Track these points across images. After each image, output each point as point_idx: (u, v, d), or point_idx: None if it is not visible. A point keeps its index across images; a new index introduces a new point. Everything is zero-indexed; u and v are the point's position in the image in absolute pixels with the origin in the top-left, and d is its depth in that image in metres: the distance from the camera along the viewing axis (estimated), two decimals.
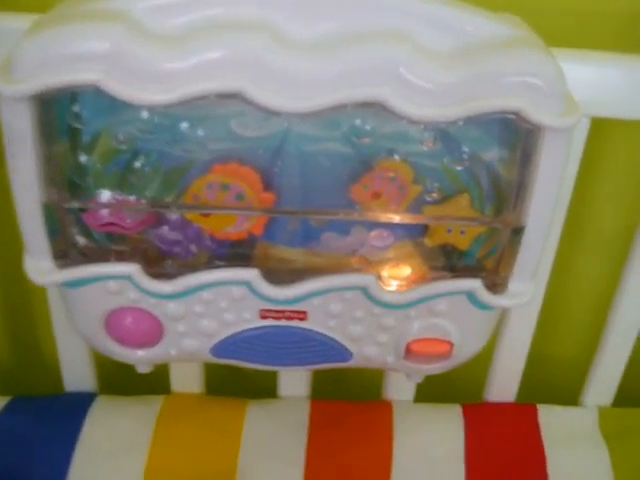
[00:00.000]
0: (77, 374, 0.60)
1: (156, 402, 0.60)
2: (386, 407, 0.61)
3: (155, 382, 0.59)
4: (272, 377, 0.61)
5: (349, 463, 0.57)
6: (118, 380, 0.60)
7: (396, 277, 0.45)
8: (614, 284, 0.58)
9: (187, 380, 0.61)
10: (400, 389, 0.61)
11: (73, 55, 0.36)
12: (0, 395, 0.61)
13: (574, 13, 0.54)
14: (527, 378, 0.62)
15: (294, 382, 0.61)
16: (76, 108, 0.39)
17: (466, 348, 0.48)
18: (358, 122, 0.39)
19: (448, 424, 0.61)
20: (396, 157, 0.41)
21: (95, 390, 0.61)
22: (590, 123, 0.49)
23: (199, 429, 0.58)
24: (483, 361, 0.59)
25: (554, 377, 0.72)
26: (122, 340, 0.47)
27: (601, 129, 0.54)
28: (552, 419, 0.62)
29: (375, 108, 0.38)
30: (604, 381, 0.62)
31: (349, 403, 0.62)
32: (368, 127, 0.39)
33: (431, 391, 0.61)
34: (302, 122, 0.40)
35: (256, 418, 0.59)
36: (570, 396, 0.64)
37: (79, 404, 0.60)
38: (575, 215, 0.54)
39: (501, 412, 0.62)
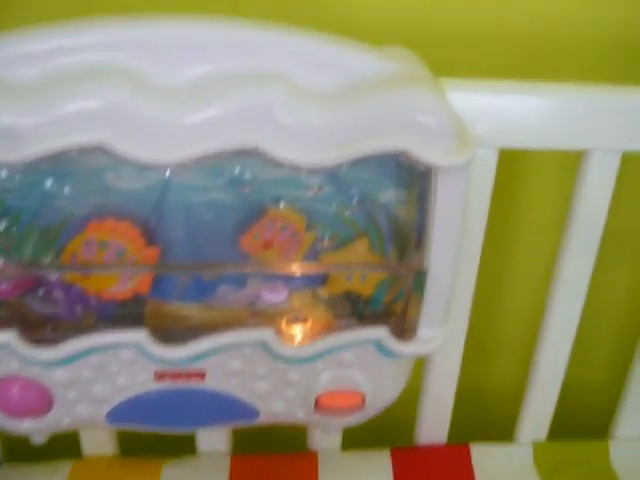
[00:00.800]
0: None
1: (65, 468, 0.56)
2: (311, 458, 0.59)
3: (65, 445, 0.55)
4: (190, 432, 0.58)
5: None
6: (23, 446, 0.56)
7: (298, 330, 0.42)
8: (540, 313, 0.56)
9: (98, 441, 0.57)
10: (325, 437, 0.59)
11: None
12: None
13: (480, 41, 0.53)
14: (459, 416, 0.60)
15: (213, 437, 0.58)
16: None
17: (380, 398, 0.46)
18: (237, 170, 0.37)
19: (376, 472, 0.58)
20: (282, 205, 0.38)
21: (0, 458, 0.57)
22: (499, 154, 0.47)
23: None
24: (411, 401, 0.57)
25: (487, 413, 0.70)
26: (9, 411, 0.44)
27: (514, 159, 0.53)
28: (486, 458, 0.60)
29: (254, 154, 0.35)
30: (537, 414, 0.60)
31: (272, 456, 0.59)
32: (248, 175, 0.37)
33: (359, 435, 0.58)
34: (182, 172, 0.37)
35: (172, 478, 0.56)
36: (504, 431, 0.62)
37: None
38: (497, 244, 0.53)
39: (432, 455, 0.60)
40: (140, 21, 0.34)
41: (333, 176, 0.38)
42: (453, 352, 0.55)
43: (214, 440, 0.58)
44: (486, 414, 0.70)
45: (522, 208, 0.61)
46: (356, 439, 0.59)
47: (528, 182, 0.60)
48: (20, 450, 0.57)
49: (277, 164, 0.35)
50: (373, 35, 0.40)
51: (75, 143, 0.33)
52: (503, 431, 0.62)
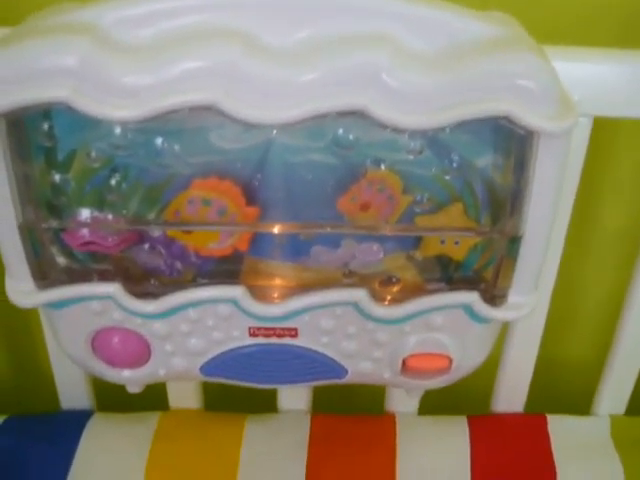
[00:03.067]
0: (73, 392, 0.59)
1: (153, 419, 0.59)
2: (389, 420, 0.59)
3: (152, 398, 0.57)
4: (272, 390, 0.60)
5: (351, 478, 0.56)
6: (115, 397, 0.59)
7: (389, 291, 0.43)
8: (624, 286, 0.55)
9: (184, 395, 0.59)
10: (403, 401, 0.59)
11: (40, 71, 0.34)
12: None
13: (573, 9, 0.52)
14: (536, 386, 0.60)
15: (294, 396, 0.59)
16: (48, 126, 0.37)
17: (466, 362, 0.47)
18: (341, 132, 0.37)
19: (453, 437, 0.59)
20: (383, 167, 0.39)
21: (91, 408, 0.60)
22: (592, 123, 0.46)
23: (196, 447, 0.57)
24: (489, 370, 0.57)
25: (564, 385, 0.70)
26: (109, 361, 0.46)
27: (605, 128, 0.52)
28: (562, 429, 0.60)
29: (358, 116, 0.36)
30: (617, 388, 0.60)
31: (351, 417, 0.60)
32: (351, 137, 0.37)
33: (436, 402, 0.59)
34: (285, 133, 0.38)
35: (255, 434, 0.58)
36: (581, 405, 0.62)
37: (75, 422, 0.58)
38: (581, 216, 0.52)
39: (509, 423, 0.60)
40: None
41: (433, 139, 0.38)
42: (536, 321, 0.55)
43: (295, 399, 0.59)
44: (563, 386, 0.70)
45: (609, 177, 0.60)
46: (432, 405, 0.60)
47: (617, 152, 0.59)
48: (111, 400, 0.60)
49: (380, 126, 0.35)
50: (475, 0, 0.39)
51: (188, 102, 0.34)
52: (580, 404, 0.62)
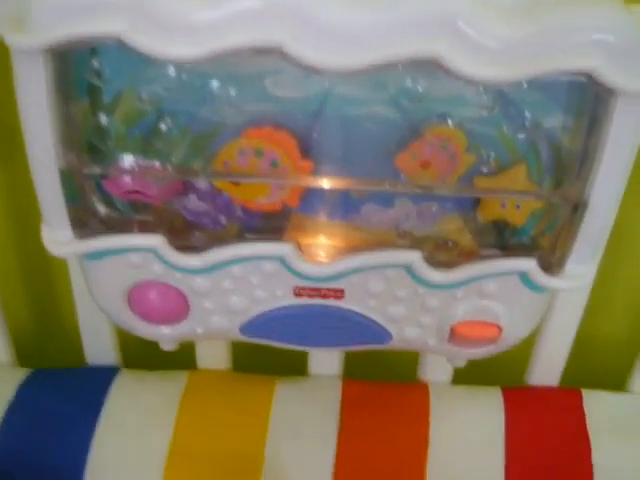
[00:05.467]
0: (99, 347, 0.58)
1: (181, 378, 0.57)
2: (422, 389, 0.58)
3: (181, 357, 0.56)
4: (302, 353, 0.58)
5: (383, 446, 0.54)
6: (142, 354, 0.57)
7: (444, 255, 0.41)
8: None
9: (214, 356, 0.58)
10: (437, 370, 0.58)
11: (94, 3, 0.32)
12: (20, 367, 0.59)
13: None
14: (572, 360, 0.58)
15: (325, 360, 0.58)
16: (96, 64, 0.35)
17: (515, 332, 0.45)
18: (408, 83, 0.35)
19: (487, 408, 0.57)
20: (449, 123, 0.37)
21: (118, 364, 0.59)
22: None
23: (226, 408, 0.56)
24: (525, 342, 0.56)
25: (601, 360, 0.68)
26: (145, 316, 0.44)
27: None
28: (598, 406, 0.58)
29: (428, 67, 0.33)
30: None
31: (383, 383, 0.58)
32: (420, 88, 0.35)
33: (469, 373, 0.57)
34: (345, 83, 0.36)
35: (285, 397, 0.56)
36: (617, 381, 0.61)
37: (102, 378, 0.57)
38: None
39: (544, 397, 0.59)
40: None
41: (504, 96, 0.36)
42: (579, 294, 0.54)
43: (326, 363, 0.58)
44: (600, 361, 0.68)
45: None
46: (466, 374, 0.58)
47: None
48: (137, 357, 0.59)
49: (452, 78, 0.33)
50: None
51: (251, 42, 0.32)
52: (616, 380, 0.61)
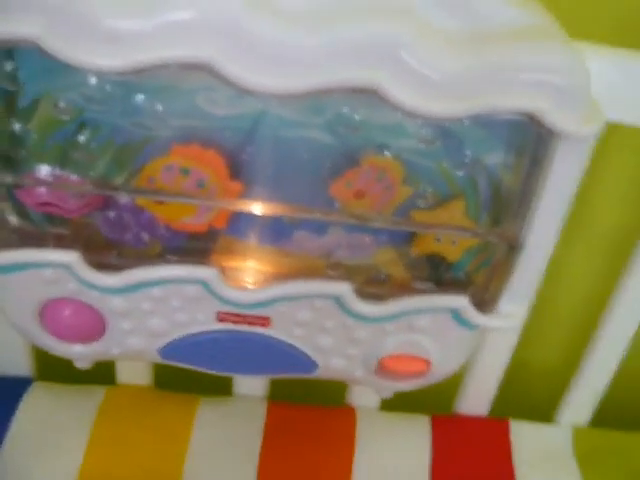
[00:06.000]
0: (11, 356, 0.54)
1: (98, 393, 0.54)
2: (349, 414, 0.57)
3: (99, 370, 0.53)
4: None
5: (306, 471, 0.53)
6: (57, 365, 0.54)
7: (375, 288, 0.40)
8: (607, 292, 0.53)
9: (134, 370, 0.55)
10: (365, 396, 0.57)
11: (8, 3, 0.29)
12: None
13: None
14: (502, 390, 0.58)
15: (251, 381, 0.56)
16: (10, 67, 0.32)
17: (444, 367, 0.44)
18: (346, 110, 0.33)
19: (414, 435, 0.56)
20: (387, 153, 0.35)
21: (31, 375, 0.56)
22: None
23: (144, 426, 0.53)
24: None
25: (531, 391, 0.68)
26: (58, 334, 0.42)
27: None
28: (525, 437, 0.58)
29: (368, 95, 0.32)
30: (582, 398, 0.58)
31: (309, 407, 0.57)
32: (357, 117, 0.34)
33: (398, 399, 0.56)
34: (281, 104, 0.34)
35: (207, 418, 0.54)
36: (545, 412, 0.60)
37: (11, 390, 0.54)
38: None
39: (472, 426, 0.58)
40: None
41: (445, 130, 0.34)
42: (512, 329, 0.53)
43: (252, 384, 0.56)
44: (529, 392, 0.68)
45: (597, 193, 0.57)
46: (394, 400, 0.57)
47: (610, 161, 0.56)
48: (52, 369, 0.56)
49: (392, 108, 0.32)
50: None
51: (179, 58, 0.30)
52: (544, 412, 0.60)
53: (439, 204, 0.37)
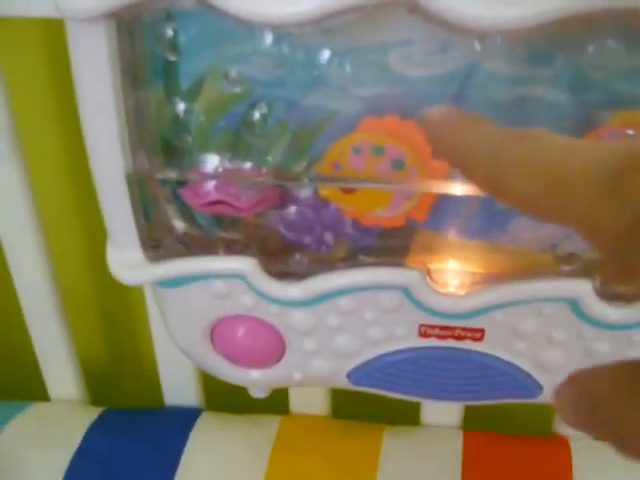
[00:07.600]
0: (179, 386, 0.50)
1: (272, 424, 0.49)
2: (561, 443, 0.48)
3: (271, 398, 0.48)
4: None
5: None
6: (227, 393, 0.49)
7: (621, 284, 0.31)
8: None
9: (310, 399, 0.49)
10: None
11: None
12: (92, 405, 0.52)
13: None
14: None
15: (443, 408, 0.48)
16: (171, 35, 0.27)
17: None
18: (591, 50, 0.26)
19: None
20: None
21: (200, 405, 0.51)
22: None
23: (325, 459, 0.47)
24: None
25: None
26: (232, 358, 0.36)
27: None
28: None
29: (620, 31, 0.24)
30: None
31: (510, 436, 0.48)
32: (605, 59, 0.26)
33: None
34: (496, 55, 0.27)
35: (395, 450, 0.47)
36: None
37: (181, 422, 0.49)
38: None
39: None
40: None
41: None
42: None
43: (442, 411, 0.48)
44: None
45: None
46: None
47: None
48: (222, 397, 0.51)
49: None
50: None
51: None
52: None
53: None
